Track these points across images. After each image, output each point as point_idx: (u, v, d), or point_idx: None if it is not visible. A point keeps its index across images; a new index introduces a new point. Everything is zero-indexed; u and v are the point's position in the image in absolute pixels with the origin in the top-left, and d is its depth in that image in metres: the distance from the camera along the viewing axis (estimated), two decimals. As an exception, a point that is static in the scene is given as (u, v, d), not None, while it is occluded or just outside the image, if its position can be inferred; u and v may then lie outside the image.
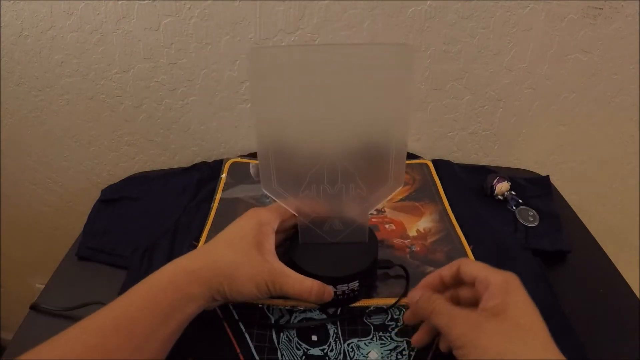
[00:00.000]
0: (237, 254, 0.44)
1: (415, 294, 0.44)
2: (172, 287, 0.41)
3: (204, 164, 0.74)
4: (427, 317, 0.41)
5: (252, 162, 0.73)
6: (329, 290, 0.47)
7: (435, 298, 0.41)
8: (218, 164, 0.73)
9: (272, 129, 0.44)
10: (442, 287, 0.45)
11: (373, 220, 0.62)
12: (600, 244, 0.62)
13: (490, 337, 0.36)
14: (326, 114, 0.42)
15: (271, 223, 0.47)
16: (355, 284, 0.48)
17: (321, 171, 0.46)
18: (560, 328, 0.49)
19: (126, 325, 0.38)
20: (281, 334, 0.47)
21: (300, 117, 0.44)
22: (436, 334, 0.44)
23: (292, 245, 0.50)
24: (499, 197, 0.66)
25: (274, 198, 0.47)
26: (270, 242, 0.46)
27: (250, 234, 0.45)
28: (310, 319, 0.49)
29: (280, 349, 0.46)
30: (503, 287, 0.39)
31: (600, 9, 0.63)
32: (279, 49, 0.50)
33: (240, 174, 0.71)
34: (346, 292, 0.48)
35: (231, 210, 0.64)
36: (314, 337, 0.47)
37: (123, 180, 0.73)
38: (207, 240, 0.59)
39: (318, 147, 0.45)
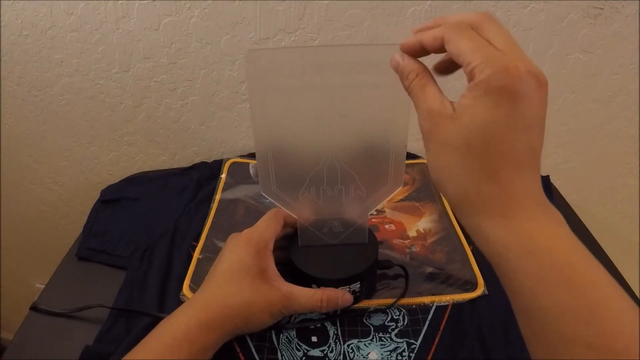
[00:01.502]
0: (246, 292, 0.43)
1: (398, 59, 0.34)
2: (188, 342, 0.40)
3: (203, 164, 0.75)
4: (405, 87, 0.34)
5: (252, 162, 0.73)
6: (343, 296, 0.46)
7: (415, 75, 0.32)
8: (217, 164, 0.73)
9: (271, 131, 0.43)
10: (425, 53, 0.34)
11: (373, 220, 0.62)
12: (600, 244, 0.62)
13: (436, 147, 0.30)
14: (324, 115, 0.42)
15: (267, 245, 0.46)
16: (356, 286, 0.48)
17: (320, 173, 0.45)
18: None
19: None
20: (281, 335, 0.47)
21: (299, 119, 0.43)
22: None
23: (292, 247, 0.50)
24: (499, 197, 0.66)
25: (273, 201, 0.47)
26: (272, 265, 0.46)
27: (252, 266, 0.44)
28: (310, 319, 0.49)
29: (280, 350, 0.46)
30: (480, 87, 0.28)
31: (600, 9, 0.62)
32: (276, 51, 0.49)
33: (239, 174, 0.71)
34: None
35: (231, 211, 0.64)
36: (314, 338, 0.47)
37: (123, 180, 0.73)
38: (206, 241, 0.59)
39: (317, 149, 0.45)
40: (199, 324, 0.41)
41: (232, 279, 0.44)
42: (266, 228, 0.47)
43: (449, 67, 0.35)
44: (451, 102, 0.30)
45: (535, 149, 0.28)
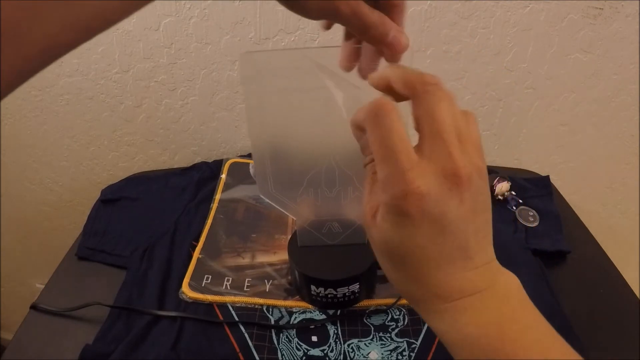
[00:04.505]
0: None
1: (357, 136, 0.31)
2: None
3: (203, 163, 0.74)
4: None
5: (252, 162, 0.73)
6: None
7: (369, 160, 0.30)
8: (217, 164, 0.73)
9: (267, 133, 0.43)
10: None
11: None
12: (600, 244, 0.62)
13: (371, 243, 0.30)
14: (321, 117, 0.42)
15: None
16: (355, 286, 0.48)
17: (319, 175, 0.45)
18: (560, 328, 0.49)
19: None
20: (281, 335, 0.47)
21: (296, 121, 0.43)
22: None
23: (291, 248, 0.50)
24: (499, 197, 0.66)
25: (271, 202, 0.47)
26: None
27: None
28: (311, 319, 0.49)
29: (280, 349, 0.46)
30: (384, 206, 0.27)
31: (600, 9, 0.63)
32: (270, 53, 0.49)
33: (239, 174, 0.71)
34: (347, 294, 0.48)
35: (231, 211, 0.64)
36: (314, 338, 0.47)
37: (123, 180, 0.73)
38: (206, 241, 0.59)
39: (314, 151, 0.44)
40: None
41: None
42: None
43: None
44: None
45: (461, 245, 0.27)
